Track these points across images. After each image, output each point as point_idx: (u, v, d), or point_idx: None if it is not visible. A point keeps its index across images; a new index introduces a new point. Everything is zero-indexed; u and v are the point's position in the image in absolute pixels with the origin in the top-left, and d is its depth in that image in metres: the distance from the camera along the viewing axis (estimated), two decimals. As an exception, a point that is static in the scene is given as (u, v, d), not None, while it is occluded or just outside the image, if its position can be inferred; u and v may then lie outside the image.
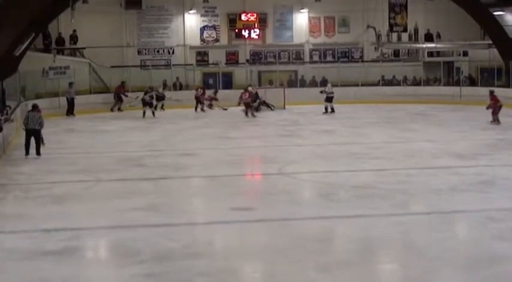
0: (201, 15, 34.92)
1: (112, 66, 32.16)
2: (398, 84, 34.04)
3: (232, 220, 10.27)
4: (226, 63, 34.93)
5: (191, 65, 34.51)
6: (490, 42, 32.19)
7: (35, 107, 17.57)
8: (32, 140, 16.62)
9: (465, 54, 35.00)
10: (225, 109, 28.14)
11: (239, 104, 27.25)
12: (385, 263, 8.39)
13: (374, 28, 34.18)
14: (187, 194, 12.82)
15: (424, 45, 34.57)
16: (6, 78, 23.12)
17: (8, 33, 20.54)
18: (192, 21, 34.92)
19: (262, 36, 35.31)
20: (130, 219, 10.32)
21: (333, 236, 9.59)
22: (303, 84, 34.06)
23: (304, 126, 23.28)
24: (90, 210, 11.01)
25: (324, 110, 27.08)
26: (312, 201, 12.11)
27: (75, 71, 29.42)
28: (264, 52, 35.65)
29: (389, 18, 33.68)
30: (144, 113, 26.59)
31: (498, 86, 30.34)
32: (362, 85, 32.98)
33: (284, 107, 29.41)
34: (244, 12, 34.84)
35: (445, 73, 34.34)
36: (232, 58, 35.42)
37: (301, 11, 35.45)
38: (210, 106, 29.57)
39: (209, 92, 30.19)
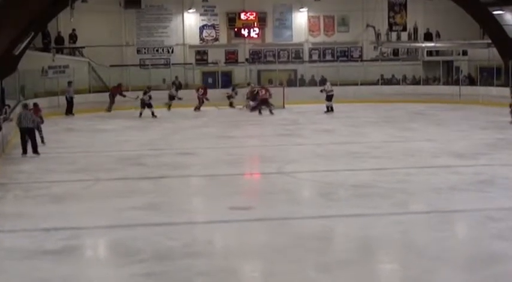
0: (201, 15, 34.88)
1: (111, 66, 32.12)
2: (397, 83, 34.04)
3: (232, 219, 10.27)
4: (225, 63, 34.90)
5: (190, 64, 34.48)
6: (490, 41, 32.18)
7: (25, 106, 17.62)
8: (29, 140, 16.64)
9: (464, 53, 34.98)
10: (220, 108, 28.33)
11: (259, 101, 27.55)
12: (385, 263, 8.40)
13: (373, 27, 34.14)
14: (187, 193, 12.83)
15: (423, 45, 34.55)
16: (5, 77, 23.12)
17: (8, 32, 20.52)
18: (192, 20, 34.89)
19: (261, 35, 35.29)
20: (129, 218, 10.32)
21: (332, 235, 9.59)
22: (302, 83, 34.04)
23: (304, 126, 23.28)
24: (89, 209, 11.01)
25: (325, 109, 27.06)
26: (312, 201, 12.11)
27: (75, 70, 29.39)
28: (264, 51, 35.62)
29: (389, 17, 33.64)
30: (140, 113, 26.29)
31: (497, 86, 30.42)
32: (361, 84, 32.97)
33: (283, 106, 29.40)
34: (243, 11, 34.81)
35: (444, 72, 34.33)
36: (231, 57, 35.39)
37: (301, 10, 35.43)
38: (231, 104, 29.67)
39: (226, 90, 30.40)
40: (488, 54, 32.86)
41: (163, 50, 34.70)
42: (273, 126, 23.03)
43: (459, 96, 30.94)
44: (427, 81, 34.32)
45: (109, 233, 9.66)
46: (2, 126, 17.01)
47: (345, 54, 35.95)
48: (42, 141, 18.31)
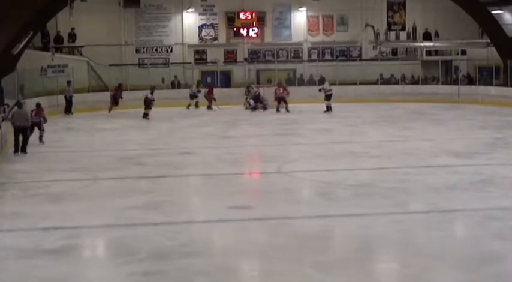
0: (200, 14, 34.88)
1: (110, 65, 32.12)
2: (396, 82, 34.04)
3: (231, 219, 10.26)
4: (224, 62, 34.90)
5: (189, 63, 34.46)
6: (489, 41, 32.21)
7: (20, 105, 17.67)
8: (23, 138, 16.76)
9: (463, 53, 35.01)
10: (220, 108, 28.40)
11: (275, 99, 27.74)
12: (384, 262, 8.39)
13: (372, 27, 34.16)
14: (186, 192, 12.82)
15: (422, 44, 34.58)
16: (4, 76, 23.11)
17: (6, 31, 20.51)
18: (191, 19, 34.89)
19: (260, 34, 35.27)
20: (128, 217, 10.31)
21: (331, 235, 9.58)
22: (301, 82, 34.02)
23: (303, 125, 23.27)
24: (88, 208, 10.99)
25: (324, 109, 27.05)
26: (311, 200, 12.10)
27: (74, 69, 29.36)
28: (263, 51, 35.60)
29: (388, 16, 33.63)
30: (145, 114, 25.49)
31: (496, 85, 30.45)
32: (360, 84, 32.95)
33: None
34: (242, 10, 34.78)
35: (443, 72, 34.35)
36: (230, 56, 35.38)
37: (300, 9, 35.43)
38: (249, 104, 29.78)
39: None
40: (487, 53, 32.90)
41: (162, 49, 34.70)
42: (272, 126, 23.02)
43: (458, 96, 30.94)
44: (426, 81, 34.33)
45: (108, 232, 9.65)
46: (1, 125, 17.02)
47: (344, 54, 35.96)
48: (41, 140, 18.34)
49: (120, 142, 19.46)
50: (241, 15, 34.72)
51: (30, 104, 23.31)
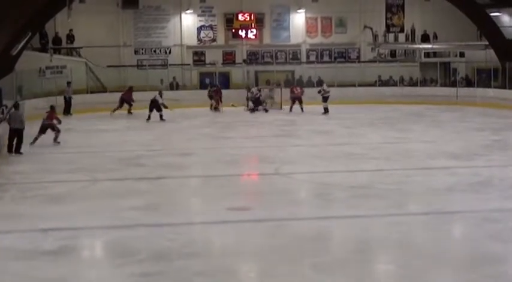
0: (198, 15, 34.91)
1: (109, 66, 32.14)
2: (395, 84, 34.05)
3: (230, 220, 10.27)
4: (223, 63, 34.92)
5: (188, 64, 34.50)
6: (487, 43, 32.26)
7: (16, 106, 17.71)
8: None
9: (462, 55, 35.07)
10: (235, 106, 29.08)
11: (291, 99, 27.94)
12: (382, 263, 8.41)
13: (371, 28, 34.22)
14: (185, 193, 12.82)
15: (420, 46, 34.62)
16: (2, 77, 23.11)
17: (5, 32, 20.52)
18: (189, 21, 34.90)
19: (259, 36, 35.30)
20: (127, 218, 10.31)
21: (330, 236, 9.59)
22: (299, 84, 33.96)
23: (301, 127, 23.30)
24: (87, 209, 10.99)
25: (323, 111, 27.08)
26: (309, 202, 12.12)
27: (72, 70, 29.36)
28: (261, 52, 35.64)
29: (386, 18, 33.69)
30: (149, 116, 24.88)
31: (494, 87, 30.49)
32: (359, 85, 32.98)
33: (281, 107, 29.40)
34: (241, 12, 34.81)
35: (441, 74, 34.42)
36: (229, 58, 35.41)
37: (298, 11, 35.46)
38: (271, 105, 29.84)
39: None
40: (485, 55, 32.92)
41: (160, 50, 34.73)
42: (271, 127, 23.04)
43: (456, 98, 30.99)
44: (424, 83, 34.38)
45: (107, 233, 9.65)
46: (-1, 126, 17.09)
47: (343, 56, 35.98)
48: (56, 141, 18.57)
49: (119, 143, 19.47)
50: (240, 17, 34.75)
51: (29, 105, 23.46)
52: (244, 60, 35.09)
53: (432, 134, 20.51)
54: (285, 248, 8.73)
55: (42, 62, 28.83)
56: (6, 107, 21.09)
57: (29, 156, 16.59)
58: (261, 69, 34.76)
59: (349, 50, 36.15)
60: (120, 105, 27.69)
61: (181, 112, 27.78)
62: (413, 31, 35.10)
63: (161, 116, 24.72)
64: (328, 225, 10.03)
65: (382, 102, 30.71)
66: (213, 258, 8.47)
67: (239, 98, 29.77)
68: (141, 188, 12.74)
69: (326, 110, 27.06)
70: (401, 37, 34.72)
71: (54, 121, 18.78)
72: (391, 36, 34.42)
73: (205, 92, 30.34)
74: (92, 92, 30.71)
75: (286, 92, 28.84)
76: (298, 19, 35.72)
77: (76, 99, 28.06)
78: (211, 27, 34.98)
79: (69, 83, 27.85)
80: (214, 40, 35.06)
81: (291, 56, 35.80)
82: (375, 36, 34.16)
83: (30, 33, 24.76)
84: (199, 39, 34.98)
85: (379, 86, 33.76)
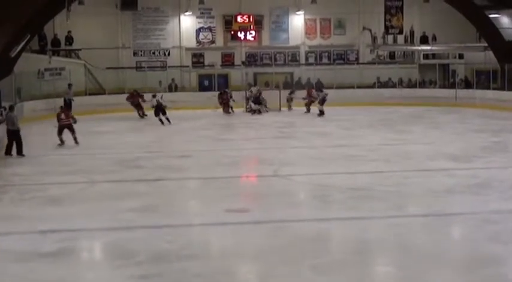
0: (197, 17, 34.86)
1: (107, 68, 32.10)
2: (393, 86, 34.02)
3: (228, 222, 10.27)
4: (221, 65, 34.91)
5: (187, 66, 34.49)
6: (486, 44, 32.27)
7: (11, 108, 17.72)
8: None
9: (461, 56, 35.06)
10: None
11: (306, 99, 28.14)
12: (381, 265, 8.40)
13: (370, 30, 34.21)
14: (184, 195, 12.82)
15: (419, 48, 34.63)
16: (1, 79, 23.09)
17: (4, 34, 20.51)
18: (188, 22, 34.88)
19: (258, 38, 35.28)
20: (126, 220, 10.31)
21: (329, 238, 9.59)
22: (298, 86, 34.00)
23: (301, 128, 23.30)
24: (86, 211, 10.99)
25: (319, 113, 27.05)
26: (308, 203, 12.10)
27: (71, 72, 29.37)
28: (260, 54, 35.61)
29: (385, 20, 33.65)
30: (161, 120, 24.39)
31: (493, 89, 30.49)
32: (358, 87, 32.98)
33: (280, 109, 29.41)
34: (240, 14, 34.81)
35: (440, 75, 34.42)
36: (228, 60, 35.38)
37: (297, 13, 35.43)
38: (290, 107, 29.78)
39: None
40: (484, 57, 32.92)
41: (159, 52, 34.69)
42: (270, 129, 23.04)
43: (455, 99, 31.00)
44: (423, 84, 34.38)
45: (105, 235, 9.65)
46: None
47: (342, 57, 35.95)
48: (76, 142, 18.58)
49: (117, 145, 19.46)
50: (239, 19, 34.74)
51: (27, 107, 23.44)
52: (243, 62, 35.04)
53: (431, 136, 20.51)
54: (284, 249, 8.72)
55: (41, 63, 28.82)
56: (5, 109, 21.08)
57: (28, 158, 16.58)
58: (260, 71, 34.72)
59: (348, 51, 36.12)
60: (139, 107, 27.22)
61: (180, 114, 27.79)
62: (412, 33, 35.09)
63: (168, 119, 24.41)
64: (328, 227, 10.02)
65: (381, 104, 30.72)
66: (212, 260, 8.46)
67: (239, 98, 29.71)
68: (139, 190, 12.73)
69: (322, 112, 27.02)
70: (400, 39, 34.70)
71: (71, 120, 18.86)
72: (390, 37, 34.40)
73: (204, 94, 30.31)
74: (90, 94, 30.69)
75: (286, 93, 28.75)
76: (297, 21, 35.70)
77: (75, 101, 28.01)
78: (210, 29, 34.96)
79: (70, 85, 27.81)
80: (213, 42, 35.04)
81: (289, 58, 35.77)
82: (374, 38, 34.16)
83: (29, 35, 24.75)
84: (198, 41, 34.95)
85: (378, 87, 33.75)
